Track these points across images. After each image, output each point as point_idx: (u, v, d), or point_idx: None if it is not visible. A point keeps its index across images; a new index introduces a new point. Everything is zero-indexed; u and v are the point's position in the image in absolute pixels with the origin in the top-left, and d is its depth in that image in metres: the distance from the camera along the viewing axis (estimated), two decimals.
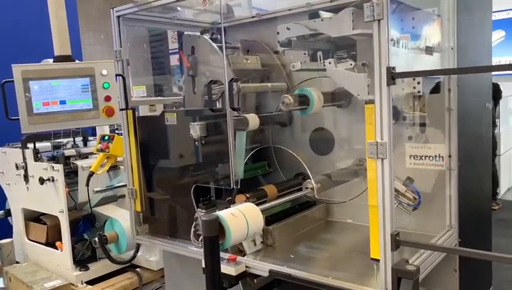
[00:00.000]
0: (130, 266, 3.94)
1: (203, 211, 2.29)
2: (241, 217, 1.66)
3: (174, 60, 7.34)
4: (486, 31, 2.69)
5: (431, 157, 2.30)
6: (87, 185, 3.55)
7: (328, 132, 2.64)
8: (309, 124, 2.70)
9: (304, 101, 2.23)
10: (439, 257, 2.06)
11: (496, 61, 6.37)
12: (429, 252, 1.96)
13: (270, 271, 1.97)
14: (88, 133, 4.55)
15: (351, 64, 1.99)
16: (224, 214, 1.64)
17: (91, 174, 3.53)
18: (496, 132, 5.88)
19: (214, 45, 2.33)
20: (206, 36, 2.41)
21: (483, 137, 2.73)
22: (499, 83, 5.32)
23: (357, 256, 2.20)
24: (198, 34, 2.41)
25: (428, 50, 2.32)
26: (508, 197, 6.20)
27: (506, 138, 6.51)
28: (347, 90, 2.03)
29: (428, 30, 2.36)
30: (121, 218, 3.66)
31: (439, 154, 2.28)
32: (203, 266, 2.11)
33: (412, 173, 2.32)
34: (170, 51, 7.13)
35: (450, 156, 2.22)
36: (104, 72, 2.12)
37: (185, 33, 2.41)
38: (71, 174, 3.83)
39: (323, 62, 2.06)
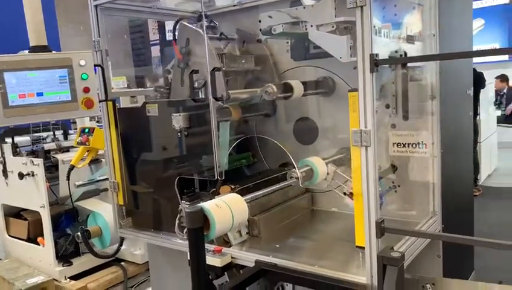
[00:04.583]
0: (114, 260, 3.89)
1: (187, 203, 2.27)
2: (226, 208, 1.64)
3: (155, 52, 7.25)
4: (466, 18, 2.71)
5: (414, 145, 2.31)
6: (68, 178, 3.49)
7: (312, 121, 2.63)
8: (293, 114, 2.68)
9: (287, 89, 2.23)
10: (422, 244, 2.08)
11: (475, 49, 6.44)
12: (413, 239, 1.98)
13: (256, 261, 1.96)
14: (68, 126, 4.47)
15: (333, 27, 1.97)
16: (208, 205, 1.61)
17: (71, 167, 3.46)
18: (477, 119, 5.96)
19: (209, 42, 2.25)
20: (205, 22, 2.33)
21: (465, 124, 2.76)
22: (482, 72, 5.39)
23: (342, 244, 2.20)
24: (195, 28, 2.29)
25: (410, 38, 2.33)
26: (488, 183, 6.32)
27: (487, 125, 6.62)
28: (330, 53, 2.01)
29: (410, 18, 2.35)
30: (104, 212, 3.61)
31: (422, 142, 2.29)
32: (189, 258, 2.11)
33: (395, 160, 2.35)
34: (151, 42, 7.03)
35: (433, 143, 2.23)
36: (82, 62, 2.07)
37: (181, 22, 2.29)
38: (52, 169, 3.75)
39: (305, 26, 2.04)
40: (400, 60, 2.05)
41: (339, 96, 2.51)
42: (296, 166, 2.05)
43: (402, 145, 2.34)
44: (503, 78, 8.83)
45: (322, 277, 1.78)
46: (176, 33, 2.30)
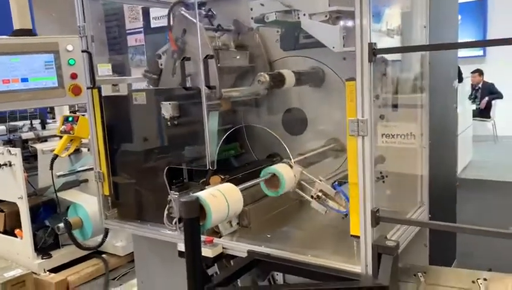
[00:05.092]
0: (95, 252, 3.83)
1: (176, 193, 2.23)
2: (222, 198, 1.61)
3: (131, 41, 7.09)
4: (453, 10, 2.74)
5: (403, 136, 2.33)
6: (51, 168, 3.38)
7: (301, 111, 2.62)
8: (282, 104, 2.66)
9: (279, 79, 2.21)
10: (412, 233, 2.10)
11: None
12: (403, 228, 2.00)
13: (249, 251, 1.95)
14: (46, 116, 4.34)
15: (326, 16, 1.96)
16: (204, 194, 1.58)
17: (55, 157, 3.36)
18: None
19: (204, 30, 2.18)
20: (202, 11, 2.26)
21: (450, 116, 2.80)
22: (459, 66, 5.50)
23: (332, 234, 2.21)
24: (194, 20, 2.19)
25: (395, 31, 2.34)
26: (463, 176, 6.46)
27: (463, 119, 6.76)
28: (322, 42, 2.00)
29: (397, 10, 2.36)
30: (85, 203, 3.54)
31: (410, 133, 2.31)
32: (179, 249, 2.07)
33: (383, 151, 2.36)
34: (127, 31, 6.88)
35: (421, 134, 2.26)
36: (70, 47, 1.98)
37: (179, 11, 2.21)
38: (30, 159, 3.64)
39: (298, 15, 2.02)
40: (397, 50, 2.05)
41: (328, 87, 2.51)
42: (290, 155, 2.04)
43: (391, 136, 2.36)
44: (480, 72, 9.05)
45: (317, 266, 1.78)
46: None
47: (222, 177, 2.25)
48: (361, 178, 1.63)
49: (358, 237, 1.68)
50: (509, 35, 1.54)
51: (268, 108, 2.70)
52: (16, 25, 2.01)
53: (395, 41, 2.33)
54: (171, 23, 2.22)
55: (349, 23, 2.03)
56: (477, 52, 9.25)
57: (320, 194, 1.91)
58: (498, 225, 1.57)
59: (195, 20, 2.12)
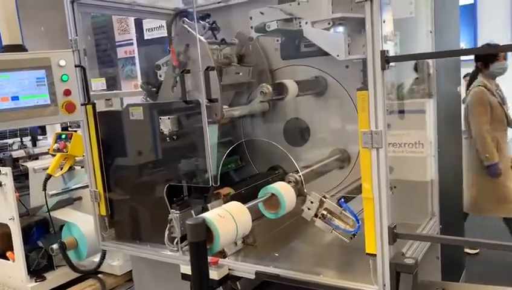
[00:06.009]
0: (91, 272, 3.69)
1: (177, 212, 2.12)
2: (229, 218, 1.51)
3: (121, 53, 7.01)
4: (455, 15, 2.69)
5: (411, 145, 2.26)
6: (45, 189, 3.24)
7: (303, 122, 2.53)
8: (282, 115, 2.58)
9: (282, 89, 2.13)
10: (426, 246, 2.01)
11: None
12: (418, 242, 1.91)
13: (257, 273, 1.85)
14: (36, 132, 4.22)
15: (329, 24, 1.88)
16: (211, 216, 1.48)
17: (48, 177, 3.22)
18: None
19: (208, 48, 2.10)
20: (207, 24, 2.17)
21: (456, 121, 2.74)
22: None
23: (341, 251, 2.11)
24: (199, 37, 2.07)
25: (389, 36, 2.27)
26: None
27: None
28: (326, 51, 1.92)
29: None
30: (79, 222, 3.40)
31: (419, 141, 2.24)
32: (182, 271, 1.97)
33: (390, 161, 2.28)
34: (117, 44, 6.79)
35: (430, 142, 2.18)
36: (62, 62, 1.88)
37: (184, 25, 2.09)
38: (21, 178, 3.50)
39: (299, 22, 1.94)
40: (411, 57, 1.97)
41: (330, 96, 2.44)
42: (298, 169, 1.95)
43: (398, 145, 2.28)
44: None
45: (331, 287, 1.68)
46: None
47: (226, 192, 2.16)
48: (376, 193, 1.55)
49: (374, 255, 1.60)
50: (499, 38, 1.49)
51: (269, 119, 2.62)
52: (5, 40, 1.91)
53: (389, 47, 2.26)
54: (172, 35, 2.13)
55: (354, 30, 1.96)
56: (469, 56, 9.27)
57: (325, 212, 1.78)
58: (496, 232, 1.49)
59: (194, 32, 2.03)
